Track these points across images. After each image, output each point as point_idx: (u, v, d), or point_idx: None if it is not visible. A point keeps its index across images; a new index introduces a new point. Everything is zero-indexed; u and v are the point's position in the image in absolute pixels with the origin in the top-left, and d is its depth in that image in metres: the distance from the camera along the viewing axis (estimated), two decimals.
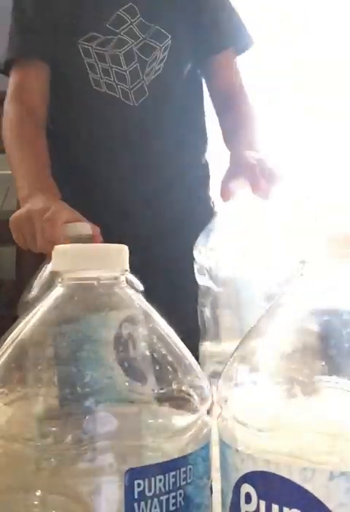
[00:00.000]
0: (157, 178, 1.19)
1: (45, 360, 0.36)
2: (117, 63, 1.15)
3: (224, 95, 1.25)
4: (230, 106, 1.24)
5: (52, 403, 0.35)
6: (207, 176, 1.31)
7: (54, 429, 0.34)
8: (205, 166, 1.31)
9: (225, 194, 0.92)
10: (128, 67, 1.16)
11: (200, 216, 1.20)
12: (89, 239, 0.78)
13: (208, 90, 1.29)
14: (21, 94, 1.13)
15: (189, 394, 0.37)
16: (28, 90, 1.13)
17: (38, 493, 0.33)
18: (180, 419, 0.36)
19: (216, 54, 1.23)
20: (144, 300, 0.40)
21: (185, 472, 0.33)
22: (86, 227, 0.80)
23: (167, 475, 0.32)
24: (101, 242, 0.80)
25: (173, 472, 0.32)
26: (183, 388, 0.37)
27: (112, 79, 1.16)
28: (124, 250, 0.39)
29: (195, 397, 0.37)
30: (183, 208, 1.21)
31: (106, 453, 0.33)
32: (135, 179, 1.18)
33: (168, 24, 1.18)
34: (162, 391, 0.36)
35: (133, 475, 0.31)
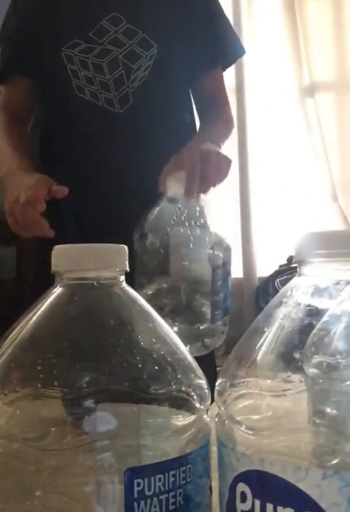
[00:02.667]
0: (144, 186, 1.15)
1: (45, 360, 0.36)
2: (101, 73, 1.17)
3: (210, 111, 1.26)
4: (210, 115, 1.25)
5: (52, 403, 0.35)
6: None
7: (54, 429, 0.34)
8: None
9: (161, 185, 0.91)
10: (112, 75, 1.17)
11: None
12: None
13: (194, 102, 1.29)
14: (6, 104, 1.26)
15: (188, 394, 0.37)
16: (12, 102, 1.26)
17: (38, 493, 0.33)
18: (179, 419, 0.36)
19: (207, 71, 1.25)
20: (144, 300, 0.40)
21: (185, 471, 0.33)
22: None
23: (166, 474, 0.32)
24: None
25: (173, 472, 0.32)
26: (182, 388, 0.36)
27: (96, 88, 1.18)
28: (123, 250, 0.39)
29: (195, 396, 0.37)
30: None
31: (106, 452, 0.33)
32: (121, 187, 1.18)
33: (155, 33, 1.18)
34: (161, 391, 0.35)
35: (133, 474, 0.31)
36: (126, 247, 0.40)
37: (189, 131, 1.28)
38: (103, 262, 0.38)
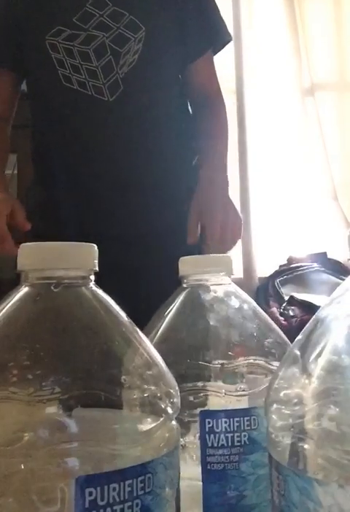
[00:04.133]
0: (140, 174, 1.16)
1: (13, 362, 0.35)
2: (87, 60, 1.13)
3: (202, 96, 1.25)
4: (207, 107, 1.24)
5: (22, 407, 0.34)
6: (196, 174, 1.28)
7: (24, 433, 0.33)
8: (196, 168, 1.27)
9: (191, 237, 1.06)
10: (99, 62, 1.13)
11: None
12: None
13: (185, 88, 1.27)
14: None
15: (159, 399, 0.36)
16: None
17: (10, 500, 0.32)
18: (142, 425, 0.34)
19: (197, 57, 1.23)
20: (113, 302, 0.39)
21: (143, 481, 0.31)
22: None
23: (122, 483, 0.30)
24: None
25: (130, 481, 0.31)
26: (152, 393, 0.35)
27: (83, 77, 1.13)
28: (92, 249, 0.38)
29: (162, 401, 0.36)
30: (168, 206, 1.18)
31: (75, 458, 0.32)
32: (115, 176, 1.15)
33: (142, 15, 1.15)
34: (131, 396, 0.35)
35: (84, 482, 0.30)
36: (95, 246, 0.39)
37: (183, 114, 1.27)
38: (71, 261, 0.37)
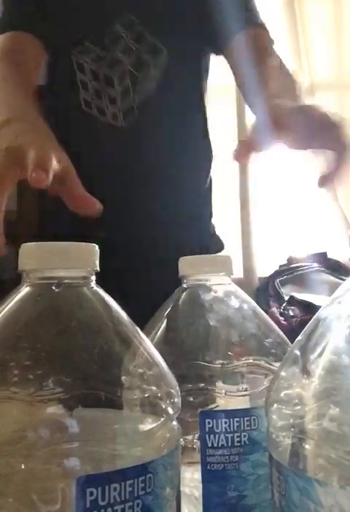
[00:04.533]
0: (152, 201, 1.12)
1: (15, 362, 0.35)
2: (110, 84, 1.07)
3: (250, 51, 1.06)
4: (258, 59, 1.01)
5: (22, 407, 0.34)
6: (209, 198, 1.24)
7: (25, 433, 0.33)
8: (208, 189, 1.23)
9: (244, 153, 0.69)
10: (120, 87, 1.08)
11: (198, 240, 1.17)
12: None
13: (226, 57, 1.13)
14: (12, 54, 1.00)
15: (160, 399, 0.36)
16: (21, 50, 1.01)
17: (10, 500, 0.32)
18: (143, 425, 0.35)
19: (238, 33, 1.07)
20: (114, 302, 0.39)
21: (144, 481, 0.31)
22: None
23: (123, 483, 0.31)
24: None
25: (131, 481, 0.31)
26: (154, 393, 0.36)
27: (104, 103, 1.08)
28: (94, 249, 0.38)
29: (162, 402, 0.36)
30: (179, 233, 1.13)
31: (70, 458, 0.32)
32: (127, 204, 1.11)
33: (165, 37, 1.08)
34: (132, 396, 0.35)
35: (85, 482, 0.30)
36: (96, 246, 0.39)
37: (202, 133, 1.21)
38: (72, 261, 0.37)
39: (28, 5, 1.06)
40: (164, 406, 0.36)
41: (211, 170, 1.24)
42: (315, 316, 0.37)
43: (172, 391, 0.37)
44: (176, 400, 0.37)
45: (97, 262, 0.39)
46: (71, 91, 1.09)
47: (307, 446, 0.32)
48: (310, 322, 0.37)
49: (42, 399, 0.33)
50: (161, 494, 0.33)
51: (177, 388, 0.38)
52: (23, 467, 0.32)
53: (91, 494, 0.30)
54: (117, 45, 1.07)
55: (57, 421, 0.33)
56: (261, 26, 1.10)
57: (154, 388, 0.36)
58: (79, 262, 0.37)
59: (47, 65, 1.10)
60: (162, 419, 0.35)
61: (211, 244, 1.21)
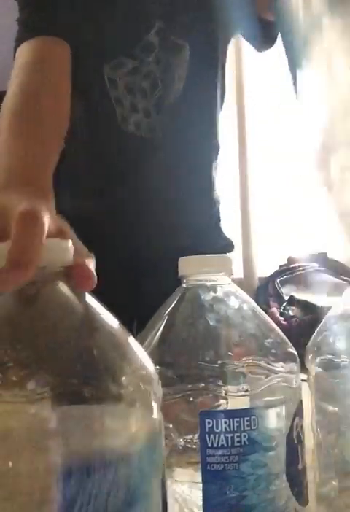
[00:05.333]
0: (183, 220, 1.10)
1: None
2: (144, 96, 1.02)
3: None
4: None
5: (6, 407, 0.34)
6: (218, 198, 1.24)
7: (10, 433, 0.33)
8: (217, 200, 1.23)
9: None
10: (153, 99, 1.03)
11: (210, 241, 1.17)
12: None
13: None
14: (41, 64, 0.89)
15: (139, 392, 0.36)
16: (51, 60, 0.90)
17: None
18: (125, 418, 0.35)
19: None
20: (91, 297, 0.39)
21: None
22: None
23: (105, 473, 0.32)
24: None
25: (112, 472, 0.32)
26: (133, 386, 0.36)
27: (140, 117, 1.03)
28: (68, 244, 0.39)
29: (145, 394, 0.36)
30: (193, 238, 1.12)
31: (56, 454, 0.32)
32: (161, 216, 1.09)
33: (184, 33, 1.03)
34: (116, 390, 0.35)
35: (70, 477, 0.31)
36: (70, 242, 0.39)
37: (216, 131, 1.19)
38: (48, 256, 0.38)
39: (54, 3, 0.94)
40: (147, 398, 0.36)
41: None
42: None
43: (153, 380, 0.38)
44: (156, 390, 0.37)
45: (72, 258, 0.39)
46: (106, 110, 1.03)
47: None
48: None
49: (26, 399, 0.33)
50: (145, 484, 0.34)
51: (157, 378, 0.38)
52: (11, 466, 0.32)
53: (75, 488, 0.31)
54: (150, 55, 1.02)
55: (41, 420, 0.33)
56: None
57: (135, 380, 0.36)
58: (55, 258, 0.38)
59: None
60: (144, 411, 0.36)
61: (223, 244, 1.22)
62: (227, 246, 1.23)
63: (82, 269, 0.39)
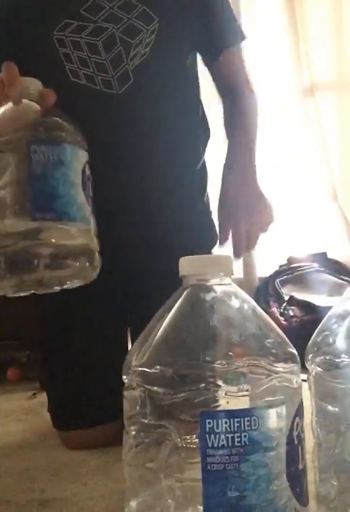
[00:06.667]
0: (150, 173, 1.13)
1: None
2: (96, 53, 1.08)
3: (227, 90, 1.23)
4: (232, 102, 1.22)
5: None
6: (205, 171, 1.26)
7: None
8: (203, 167, 1.25)
9: (223, 240, 1.09)
10: (109, 54, 1.09)
11: (196, 215, 1.18)
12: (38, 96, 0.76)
13: (211, 74, 1.24)
14: None
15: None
16: None
17: None
18: None
19: (220, 53, 1.21)
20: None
21: None
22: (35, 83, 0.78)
23: None
24: (52, 102, 0.77)
25: None
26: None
27: (91, 70, 1.09)
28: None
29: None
30: (176, 204, 1.15)
31: None
32: (123, 175, 1.11)
33: (156, 6, 1.11)
34: None
35: None
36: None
37: (195, 109, 1.23)
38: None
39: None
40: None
41: (207, 148, 1.27)
42: None
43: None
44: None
45: None
46: (55, 66, 1.09)
47: None
48: None
49: None
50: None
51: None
52: None
53: None
54: (99, 14, 1.09)
55: None
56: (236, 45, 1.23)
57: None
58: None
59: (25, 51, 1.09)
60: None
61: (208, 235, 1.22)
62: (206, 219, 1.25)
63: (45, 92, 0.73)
